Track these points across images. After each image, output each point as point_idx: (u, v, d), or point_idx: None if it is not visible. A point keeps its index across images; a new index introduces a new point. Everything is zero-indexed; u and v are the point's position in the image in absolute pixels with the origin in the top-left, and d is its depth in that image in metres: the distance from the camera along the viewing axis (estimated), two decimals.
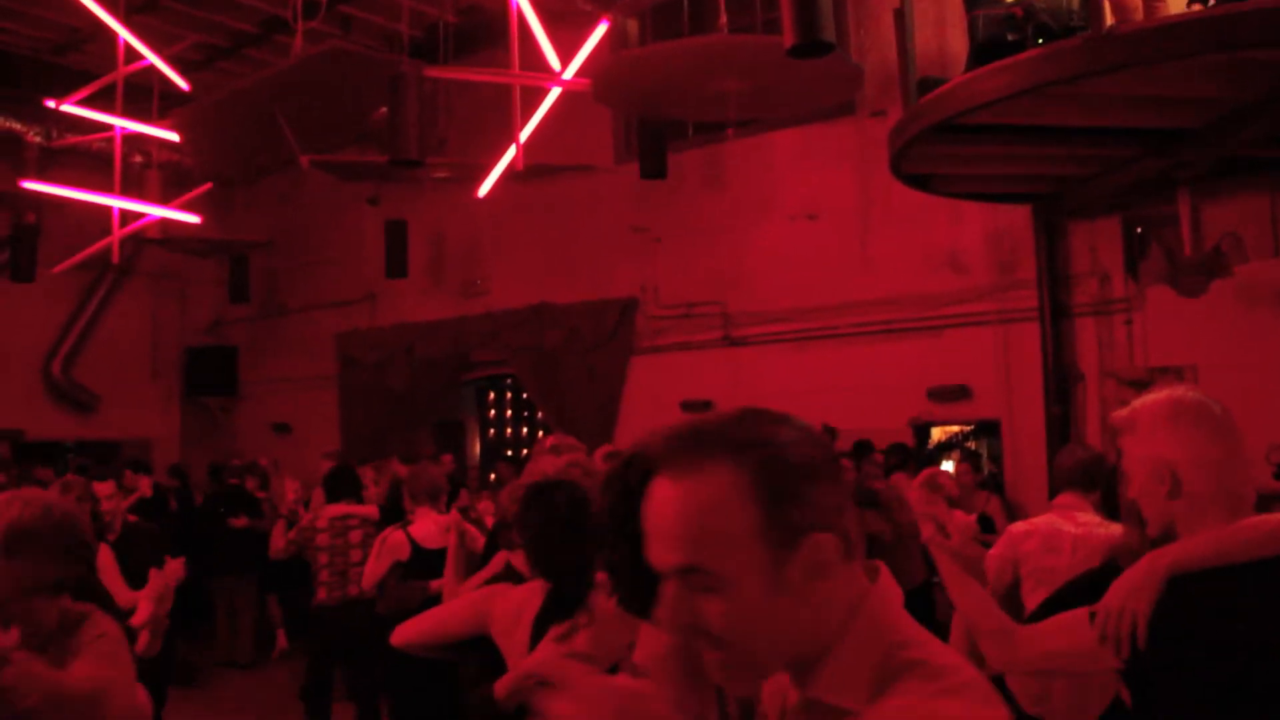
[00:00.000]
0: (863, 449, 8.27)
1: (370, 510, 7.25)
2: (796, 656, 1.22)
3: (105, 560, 5.11)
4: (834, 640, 1.20)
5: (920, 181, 7.50)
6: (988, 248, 8.90)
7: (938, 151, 6.60)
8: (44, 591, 2.43)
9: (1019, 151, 6.68)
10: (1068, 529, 4.01)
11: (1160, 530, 2.23)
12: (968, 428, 10.33)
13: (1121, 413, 2.27)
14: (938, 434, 10.48)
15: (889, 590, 1.27)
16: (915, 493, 2.67)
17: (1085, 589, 2.43)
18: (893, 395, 9.11)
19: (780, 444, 1.23)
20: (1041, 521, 4.17)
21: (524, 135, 7.42)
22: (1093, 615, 2.15)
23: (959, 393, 8.93)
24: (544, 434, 14.18)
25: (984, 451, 11.01)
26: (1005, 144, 6.43)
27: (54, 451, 13.11)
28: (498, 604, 2.98)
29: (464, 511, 6.12)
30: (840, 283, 9.51)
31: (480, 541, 5.09)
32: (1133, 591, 2.09)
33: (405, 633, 3.09)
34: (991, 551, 4.23)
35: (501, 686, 2.68)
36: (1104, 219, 8.33)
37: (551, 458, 4.54)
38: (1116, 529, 2.91)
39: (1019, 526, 4.29)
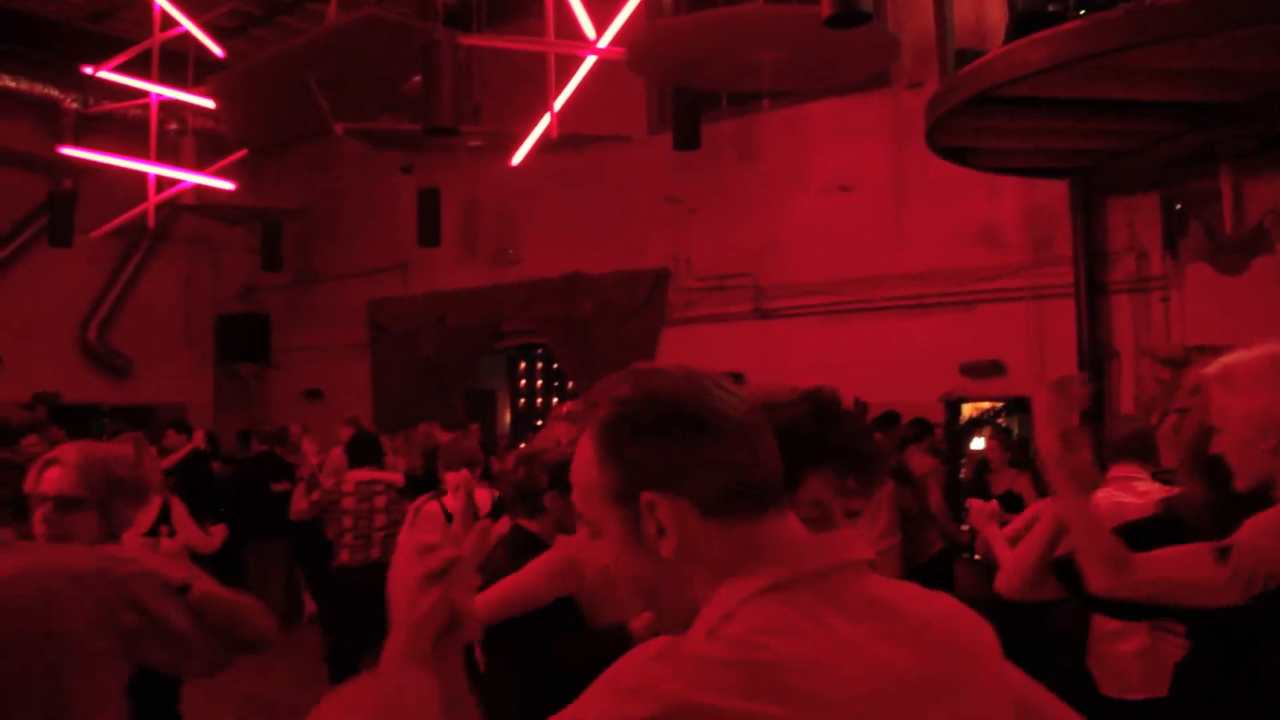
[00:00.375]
0: (887, 421, 8.24)
1: (395, 476, 7.33)
2: (673, 612, 1.23)
3: (179, 510, 5.38)
4: (692, 605, 1.20)
5: (956, 155, 7.42)
6: (1024, 223, 8.81)
7: (975, 124, 6.52)
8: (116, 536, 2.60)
9: (1057, 125, 6.59)
10: (1131, 500, 3.85)
11: (1253, 484, 2.22)
12: (999, 404, 10.26)
13: (1213, 368, 2.28)
14: (969, 410, 10.42)
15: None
16: (1042, 398, 2.50)
17: (1137, 534, 2.43)
18: (925, 370, 9.06)
19: (623, 402, 1.23)
20: (1100, 496, 3.74)
21: (558, 104, 7.40)
22: (1223, 551, 2.12)
23: (992, 369, 8.87)
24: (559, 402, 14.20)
25: (1015, 429, 10.94)
26: (1044, 117, 6.35)
27: (89, 415, 13.25)
28: (586, 561, 3.08)
29: (493, 480, 6.17)
30: (874, 256, 9.45)
31: (487, 505, 5.21)
32: (1275, 532, 2.08)
33: (489, 613, 2.95)
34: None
35: (642, 624, 2.91)
36: (1143, 195, 8.22)
37: (566, 424, 4.63)
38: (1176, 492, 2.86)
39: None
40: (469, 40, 7.27)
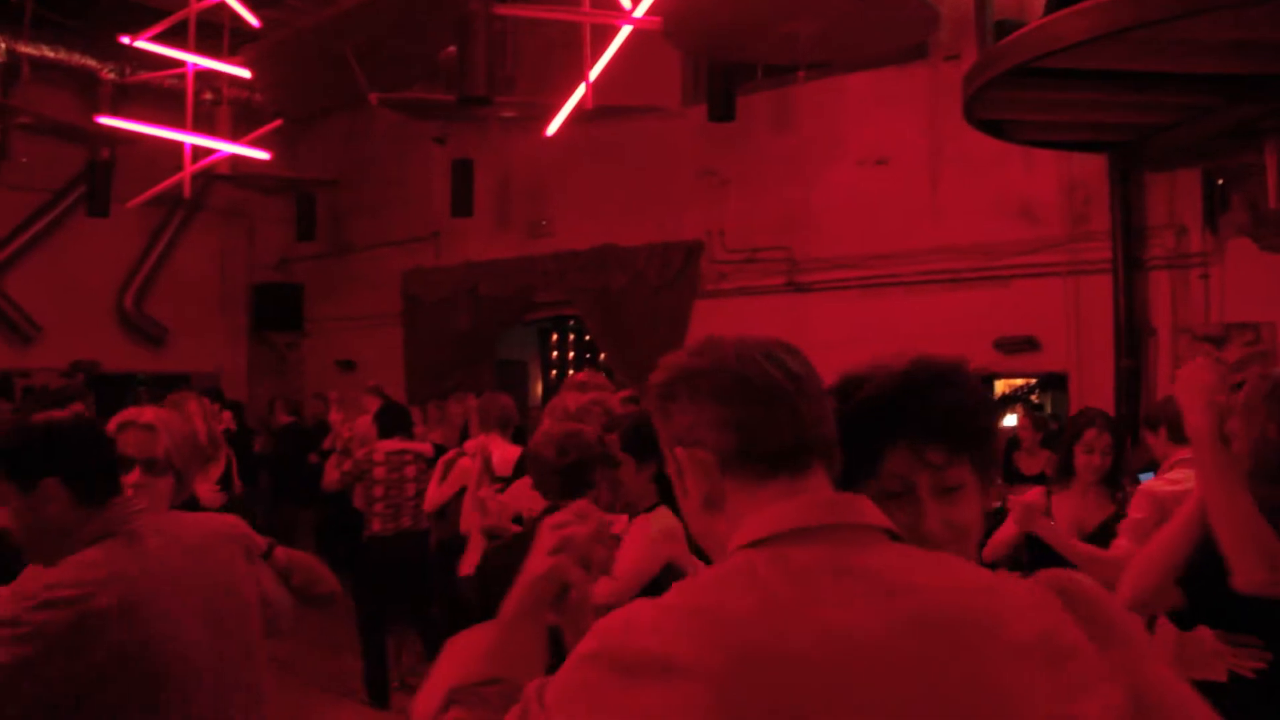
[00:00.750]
0: None
1: (424, 447, 7.38)
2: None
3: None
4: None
5: (994, 128, 7.33)
6: (1061, 197, 8.71)
7: (1013, 97, 6.44)
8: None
9: (1097, 98, 6.50)
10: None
11: None
12: (1032, 381, 10.19)
13: None
14: (1001, 387, 10.36)
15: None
16: (1194, 373, 2.37)
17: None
18: (958, 345, 8.86)
19: (667, 367, 1.39)
20: (1181, 477, 3.69)
21: (594, 74, 7.36)
22: None
23: (1026, 344, 8.80)
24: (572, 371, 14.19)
25: (1048, 406, 10.87)
26: (1083, 90, 6.26)
27: (126, 383, 13.39)
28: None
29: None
30: (908, 229, 9.38)
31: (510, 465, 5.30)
32: None
33: (624, 590, 2.97)
34: (1134, 517, 3.81)
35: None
36: (1183, 169, 8.11)
37: (576, 393, 4.66)
38: None
39: (1159, 486, 3.85)
40: (504, 10, 7.25)
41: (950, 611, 1.16)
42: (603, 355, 12.98)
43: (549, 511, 3.23)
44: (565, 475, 3.42)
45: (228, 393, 13.21)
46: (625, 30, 7.35)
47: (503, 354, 13.14)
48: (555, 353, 14.87)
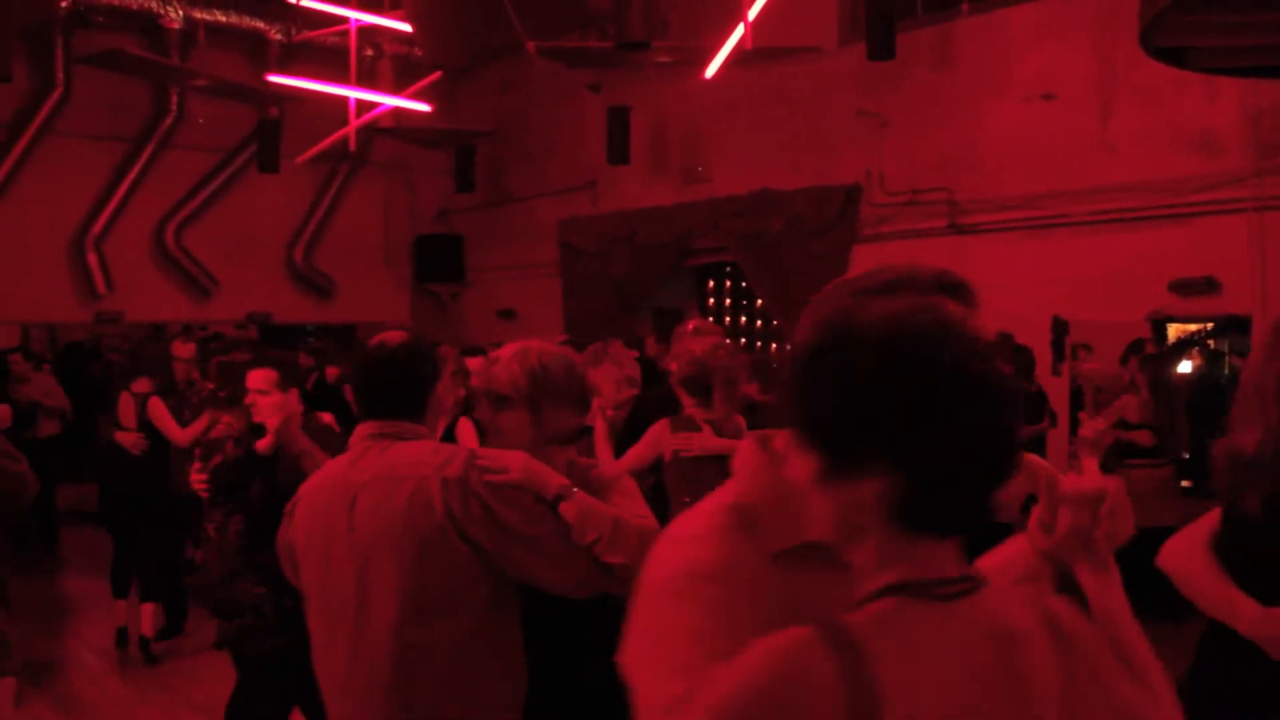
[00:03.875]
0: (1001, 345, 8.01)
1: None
2: None
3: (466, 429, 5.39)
4: None
5: (1173, 55, 6.96)
6: (1245, 128, 8.25)
7: (1195, 21, 6.10)
8: (561, 440, 2.58)
9: None
10: None
11: None
12: (1209, 325, 9.74)
13: None
14: (1175, 331, 9.93)
15: None
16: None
17: None
18: (1131, 287, 8.65)
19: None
20: None
21: (752, 14, 7.27)
22: None
23: (1205, 285, 8.41)
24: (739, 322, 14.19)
25: (1226, 350, 10.38)
26: (1274, 10, 5.90)
27: (295, 334, 13.93)
28: None
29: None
30: (1077, 167, 9.03)
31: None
32: None
33: None
34: None
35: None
36: None
37: (697, 339, 4.97)
38: None
39: None
40: None
41: (1021, 667, 1.13)
42: (760, 300, 12.93)
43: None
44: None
45: None
46: None
47: (660, 301, 13.18)
48: (713, 299, 14.85)
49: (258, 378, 4.51)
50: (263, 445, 4.33)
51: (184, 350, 7.31)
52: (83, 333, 13.46)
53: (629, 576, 2.37)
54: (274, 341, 12.21)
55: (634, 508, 2.44)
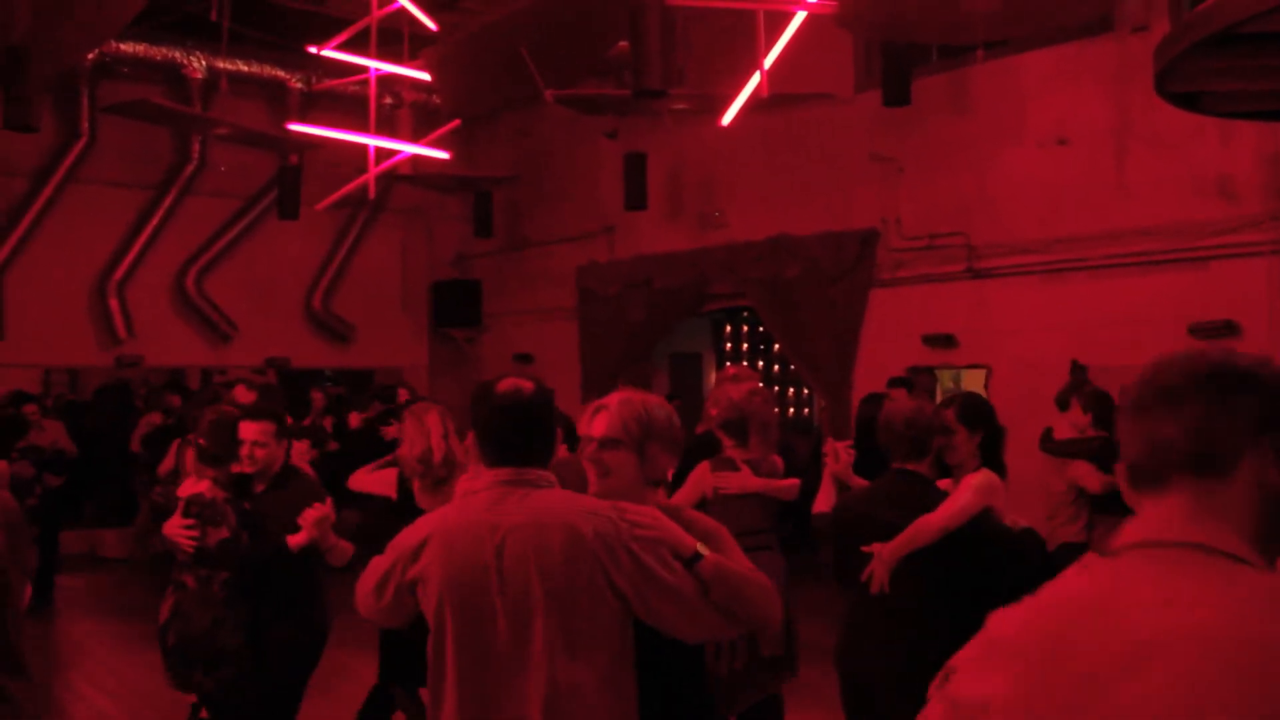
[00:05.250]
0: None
1: None
2: None
3: None
4: None
5: (1189, 100, 6.98)
6: (1263, 172, 8.25)
7: (1211, 66, 6.12)
8: (656, 481, 2.77)
9: None
10: None
11: None
12: None
13: None
14: None
15: None
16: None
17: None
18: (1149, 331, 8.61)
19: None
20: None
21: (768, 62, 7.33)
22: None
23: (1225, 329, 8.37)
24: (725, 366, 14.19)
25: None
26: None
27: (314, 378, 13.99)
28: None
29: None
30: (1094, 211, 9.04)
31: None
32: None
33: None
34: None
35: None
36: None
37: (736, 385, 5.27)
38: None
39: None
40: (676, 1, 7.27)
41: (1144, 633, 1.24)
42: (777, 346, 12.93)
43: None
44: (913, 441, 4.07)
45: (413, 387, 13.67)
46: (799, 16, 7.30)
47: (677, 346, 13.21)
48: (729, 344, 14.87)
49: (254, 430, 4.52)
50: (295, 542, 4.36)
51: (247, 397, 7.24)
52: (103, 377, 13.56)
53: (751, 623, 2.65)
54: (292, 386, 12.25)
55: (738, 558, 2.61)
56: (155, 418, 10.81)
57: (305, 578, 4.66)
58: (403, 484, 4.98)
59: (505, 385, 2.68)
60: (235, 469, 4.54)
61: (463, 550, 2.52)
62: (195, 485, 4.44)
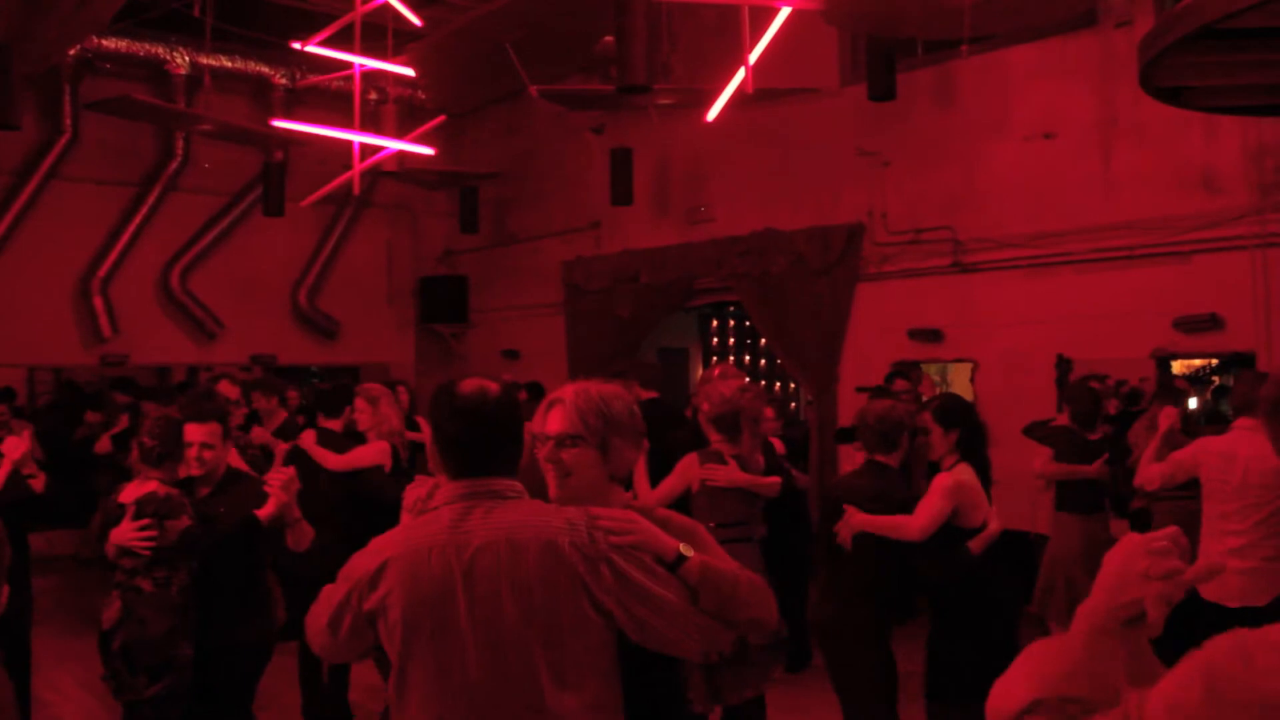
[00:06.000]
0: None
1: None
2: None
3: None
4: None
5: (1173, 95, 7.00)
6: (1246, 166, 8.28)
7: (1196, 61, 6.13)
8: (620, 478, 2.58)
9: None
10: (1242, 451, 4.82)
11: None
12: (1213, 361, 9.73)
13: None
14: (1179, 367, 9.92)
15: None
16: None
17: None
18: (1135, 325, 8.66)
19: None
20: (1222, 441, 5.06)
21: (753, 57, 7.32)
22: None
23: (1209, 323, 8.40)
24: (715, 362, 14.21)
25: (1230, 386, 10.36)
26: (1273, 50, 5.93)
27: (301, 375, 13.95)
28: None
29: None
30: (1078, 206, 9.06)
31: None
32: None
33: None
34: (1178, 453, 5.24)
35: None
36: None
37: (723, 383, 5.42)
38: None
39: (1212, 442, 5.14)
40: None
41: None
42: (763, 340, 12.93)
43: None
44: (883, 436, 4.59)
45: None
46: (784, 11, 7.29)
47: (664, 341, 13.21)
48: (716, 339, 14.88)
49: (201, 431, 4.46)
50: (265, 513, 4.33)
51: (231, 391, 7.26)
52: (88, 375, 13.49)
53: (747, 625, 2.39)
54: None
55: (720, 556, 2.41)
56: (124, 418, 10.68)
57: (257, 579, 4.61)
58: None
59: (468, 386, 2.39)
60: (182, 472, 4.48)
61: (427, 575, 2.24)
62: (141, 486, 4.37)
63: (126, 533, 4.20)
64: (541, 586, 2.21)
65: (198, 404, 4.74)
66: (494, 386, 2.40)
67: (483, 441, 2.35)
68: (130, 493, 4.36)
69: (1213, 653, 1.15)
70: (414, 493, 2.88)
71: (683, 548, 2.31)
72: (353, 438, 6.37)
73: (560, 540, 2.23)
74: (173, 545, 4.20)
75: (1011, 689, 1.38)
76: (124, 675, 4.18)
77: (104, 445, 9.91)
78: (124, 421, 9.82)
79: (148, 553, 4.18)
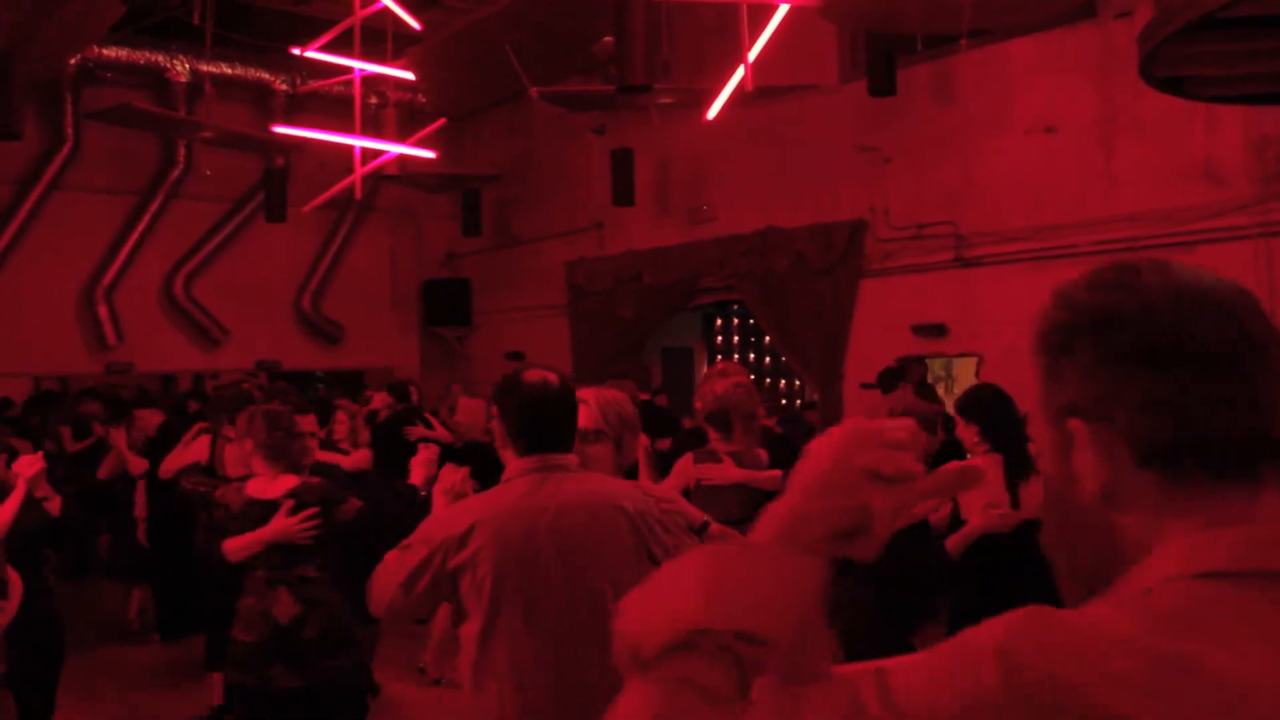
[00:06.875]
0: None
1: None
2: (1090, 557, 1.24)
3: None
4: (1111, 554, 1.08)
5: (1173, 86, 6.99)
6: (1248, 156, 8.26)
7: (1196, 51, 6.13)
8: (627, 469, 3.06)
9: None
10: None
11: None
12: None
13: None
14: None
15: None
16: None
17: None
18: None
19: (1070, 306, 1.09)
20: None
21: (752, 55, 7.32)
22: None
23: None
24: (719, 360, 14.22)
25: None
26: (1275, 39, 5.92)
27: (306, 380, 13.93)
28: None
29: None
30: (1080, 198, 9.05)
31: None
32: None
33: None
34: None
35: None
36: None
37: (721, 379, 5.43)
38: None
39: None
40: None
41: None
42: (767, 338, 12.93)
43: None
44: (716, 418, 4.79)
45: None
46: (783, 9, 7.29)
47: (667, 341, 13.20)
48: (720, 338, 14.87)
49: (309, 422, 4.65)
50: (416, 483, 4.48)
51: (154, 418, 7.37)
52: (93, 384, 13.48)
53: None
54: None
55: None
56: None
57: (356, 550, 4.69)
58: None
59: (533, 376, 2.79)
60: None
61: (516, 533, 2.61)
62: (276, 481, 4.34)
63: (290, 525, 4.17)
64: (612, 541, 2.66)
65: (289, 398, 4.81)
66: (554, 376, 2.81)
67: (549, 422, 2.77)
68: (261, 491, 4.29)
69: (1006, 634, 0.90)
70: (449, 478, 3.04)
71: (705, 519, 2.82)
72: (329, 448, 6.36)
73: (626, 504, 2.70)
74: (343, 527, 4.24)
75: (664, 611, 0.98)
76: (316, 659, 4.12)
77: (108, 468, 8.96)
78: (98, 431, 9.21)
79: (310, 541, 4.19)
